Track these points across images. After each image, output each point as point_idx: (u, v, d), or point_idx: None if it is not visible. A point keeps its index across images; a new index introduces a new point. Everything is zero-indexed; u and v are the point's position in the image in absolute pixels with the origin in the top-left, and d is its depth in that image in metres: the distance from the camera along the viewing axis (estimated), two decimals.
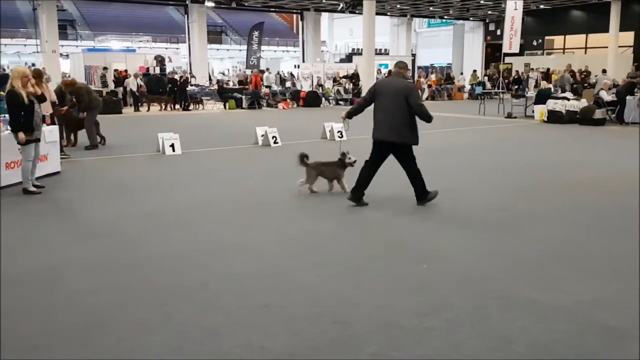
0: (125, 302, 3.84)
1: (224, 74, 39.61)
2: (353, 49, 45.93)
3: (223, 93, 23.73)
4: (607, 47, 28.71)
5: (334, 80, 26.78)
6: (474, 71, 32.71)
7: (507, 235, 5.43)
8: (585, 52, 32.90)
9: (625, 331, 3.35)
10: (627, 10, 28.58)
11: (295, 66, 34.82)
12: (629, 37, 30.13)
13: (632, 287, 4.05)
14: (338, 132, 12.81)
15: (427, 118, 6.35)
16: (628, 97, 15.52)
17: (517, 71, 29.08)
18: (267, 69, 30.71)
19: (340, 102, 25.45)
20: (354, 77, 26.22)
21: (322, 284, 4.16)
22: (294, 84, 27.66)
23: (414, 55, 42.45)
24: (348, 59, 40.53)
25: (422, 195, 6.51)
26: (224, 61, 51.88)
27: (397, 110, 6.21)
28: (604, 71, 23.95)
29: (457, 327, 3.43)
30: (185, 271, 4.47)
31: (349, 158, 7.13)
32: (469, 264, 4.59)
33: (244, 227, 5.76)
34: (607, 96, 16.06)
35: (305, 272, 4.42)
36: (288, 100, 24.15)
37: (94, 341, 3.30)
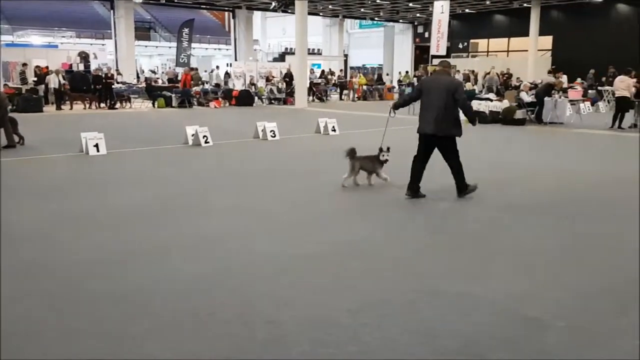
0: (52, 309, 3.64)
1: (153, 71, 38.51)
2: (286, 48, 45.95)
3: (152, 91, 23.05)
4: (527, 51, 30.17)
5: (267, 80, 26.64)
6: (407, 72, 33.55)
7: (439, 232, 5.57)
8: (508, 55, 34.45)
9: (544, 321, 3.51)
10: (545, 16, 30.16)
11: (227, 64, 34.34)
12: (547, 41, 31.81)
13: (550, 280, 4.26)
14: (271, 131, 12.75)
15: (472, 114, 6.95)
16: (546, 99, 16.37)
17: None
18: (217, 67, 30.26)
19: (273, 102, 25.35)
20: (287, 77, 26.18)
21: (253, 285, 4.11)
22: (226, 83, 27.30)
23: (346, 55, 42.95)
24: (281, 58, 40.45)
25: (462, 187, 6.91)
26: (153, 58, 50.50)
27: (443, 105, 6.63)
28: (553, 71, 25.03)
29: (389, 323, 3.48)
30: (113, 275, 4.29)
31: (383, 155, 7.52)
32: (404, 261, 4.67)
33: (173, 229, 5.61)
34: (527, 97, 16.87)
35: (236, 274, 4.35)
36: (220, 99, 23.79)
37: (19, 351, 3.10)
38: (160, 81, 27.03)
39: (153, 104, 22.24)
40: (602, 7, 29.94)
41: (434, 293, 3.96)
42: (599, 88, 24.29)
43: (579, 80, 25.14)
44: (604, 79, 25.58)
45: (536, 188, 7.70)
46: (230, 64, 31.93)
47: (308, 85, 25.89)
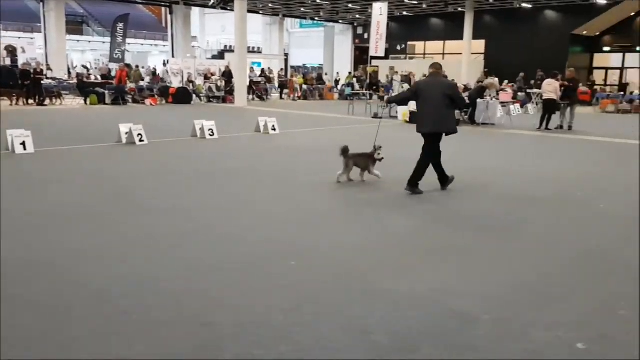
0: None
1: (86, 67, 37.09)
2: (226, 46, 45.42)
3: (84, 87, 22.21)
4: (461, 54, 31.16)
5: (206, 77, 26.23)
6: (350, 73, 33.91)
7: (371, 230, 5.65)
8: (443, 58, 35.42)
9: (472, 315, 3.63)
10: (479, 21, 31.26)
11: (164, 61, 33.57)
12: (480, 45, 32.97)
13: (477, 275, 4.41)
14: (209, 129, 12.56)
15: (465, 106, 7.56)
16: (478, 100, 16.95)
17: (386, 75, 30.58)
18: (167, 61, 29.40)
19: (212, 100, 24.99)
20: (227, 75, 25.87)
21: (187, 287, 4.03)
22: (163, 80, 26.67)
23: (286, 55, 42.93)
24: (220, 55, 39.95)
25: (414, 182, 7.26)
26: (86, 53, 48.66)
27: (441, 105, 7.08)
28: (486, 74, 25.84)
29: (321, 321, 3.50)
30: (36, 280, 4.09)
31: (378, 154, 7.80)
32: (336, 259, 4.70)
33: (103, 230, 5.42)
34: None
35: (168, 275, 4.26)
36: (156, 97, 23.22)
37: None
38: (93, 77, 26.08)
39: (85, 101, 21.43)
40: (531, 13, 31.34)
41: (366, 290, 4.02)
42: (528, 91, 25.41)
43: (505, 82, 26.16)
44: (532, 82, 26.78)
45: (466, 186, 7.94)
46: (167, 61, 31.23)
47: (248, 83, 25.69)
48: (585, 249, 5.13)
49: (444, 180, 7.46)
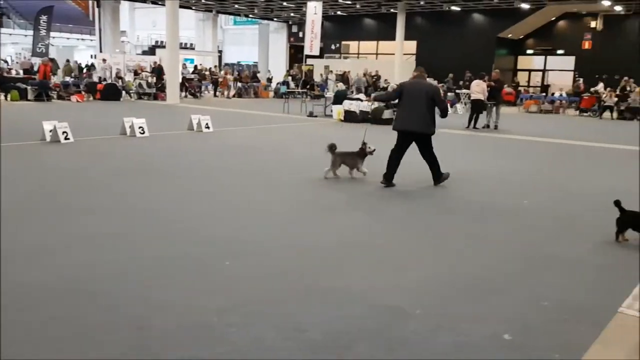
0: None
1: (5, 61, 35.06)
2: (157, 42, 44.20)
3: (3, 82, 20.99)
4: (394, 54, 31.82)
5: (136, 73, 25.43)
6: (287, 71, 33.84)
7: (308, 227, 5.67)
8: (377, 58, 36.08)
9: (405, 310, 3.72)
10: (410, 22, 32.03)
11: (91, 56, 32.26)
12: (412, 45, 33.80)
13: (411, 271, 4.52)
14: (139, 127, 12.19)
15: (446, 115, 8.20)
16: None
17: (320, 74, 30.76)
18: (94, 56, 28.03)
19: (142, 97, 24.26)
20: (157, 71, 25.19)
21: (121, 289, 3.89)
22: (90, 76, 25.64)
23: (220, 51, 42.33)
24: (151, 51, 38.86)
25: (438, 177, 7.81)
26: (6, 47, 45.98)
27: (422, 106, 7.44)
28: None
29: (256, 321, 3.47)
30: None
31: (369, 147, 8.11)
32: (272, 258, 4.68)
33: (28, 232, 5.14)
34: None
35: (101, 277, 4.10)
36: (83, 93, 22.28)
37: None
38: (14, 72, 24.70)
39: (5, 97, 20.26)
40: (460, 16, 32.44)
41: (301, 289, 4.03)
42: (457, 91, 26.29)
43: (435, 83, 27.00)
44: (461, 82, 27.73)
45: (401, 182, 8.12)
46: (95, 56, 30.05)
47: (180, 80, 25.14)
48: (511, 244, 5.36)
49: (389, 178, 7.70)
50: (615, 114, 21.92)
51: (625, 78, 24.32)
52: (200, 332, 3.31)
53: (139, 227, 5.47)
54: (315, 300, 3.83)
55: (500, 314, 3.71)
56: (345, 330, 3.41)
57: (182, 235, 5.23)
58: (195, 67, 30.38)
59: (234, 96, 28.43)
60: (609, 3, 26.81)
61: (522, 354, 3.21)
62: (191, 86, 26.81)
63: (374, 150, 8.11)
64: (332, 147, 8.06)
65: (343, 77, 28.09)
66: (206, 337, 3.26)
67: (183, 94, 25.69)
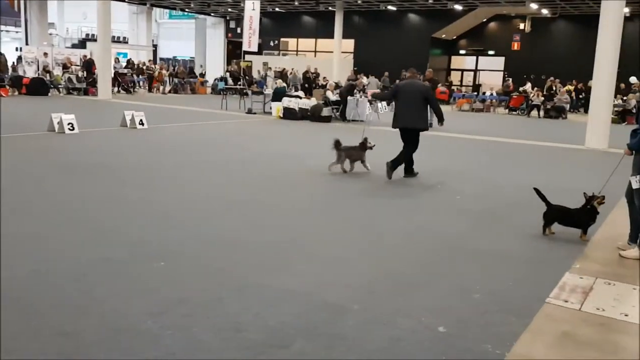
0: None
1: None
2: (87, 35, 42.46)
3: None
4: (332, 52, 32.02)
5: (65, 67, 24.34)
6: (229, 65, 33.33)
7: (246, 225, 5.60)
8: (315, 55, 36.19)
9: (341, 306, 3.74)
10: (348, 20, 32.30)
11: (16, 49, 30.62)
12: (350, 44, 34.11)
13: (348, 266, 4.55)
14: (69, 124, 11.67)
15: (440, 114, 8.37)
16: (349, 98, 17.54)
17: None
18: (19, 49, 26.32)
19: (72, 92, 23.25)
20: (88, 65, 24.21)
21: (43, 294, 3.70)
22: (14, 69, 24.31)
23: (155, 46, 41.21)
24: (81, 44, 37.30)
25: (393, 167, 8.28)
26: None
27: (417, 105, 8.12)
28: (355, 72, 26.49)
29: (192, 323, 3.39)
30: None
31: (369, 143, 8.62)
32: (207, 257, 4.59)
33: None
34: (332, 96, 17.90)
35: (22, 281, 3.88)
36: (7, 87, 21.10)
37: None
38: None
39: None
40: (396, 16, 33.03)
41: (239, 287, 3.97)
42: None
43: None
44: (397, 81, 28.23)
45: (335, 179, 8.19)
46: (21, 48, 28.54)
47: (113, 75, 24.27)
48: (445, 237, 5.51)
49: (394, 167, 8.32)
50: (541, 113, 22.97)
51: (551, 78, 25.53)
52: (134, 337, 3.19)
53: (64, 228, 5.23)
54: (251, 298, 3.79)
55: (434, 307, 3.80)
56: (284, 328, 3.39)
57: (112, 237, 5.04)
58: (128, 61, 29.40)
59: (169, 92, 27.76)
60: (536, 6, 28.05)
61: (456, 346, 3.29)
62: (124, 81, 25.95)
63: (374, 145, 8.66)
64: (337, 143, 8.52)
65: (282, 74, 27.98)
66: (140, 342, 3.15)
67: (115, 89, 24.83)
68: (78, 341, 3.12)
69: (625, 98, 22.12)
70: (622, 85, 22.32)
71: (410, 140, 8.37)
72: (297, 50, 37.81)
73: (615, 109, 19.04)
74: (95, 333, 3.21)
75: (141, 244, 4.84)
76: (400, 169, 8.43)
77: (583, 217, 5.49)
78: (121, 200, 6.43)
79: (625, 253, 5.05)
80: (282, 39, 37.93)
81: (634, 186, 4.96)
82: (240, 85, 25.05)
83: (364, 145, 8.64)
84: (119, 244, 4.83)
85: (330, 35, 32.03)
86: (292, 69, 28.13)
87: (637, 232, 5.08)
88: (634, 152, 5.00)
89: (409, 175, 8.45)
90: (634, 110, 19.77)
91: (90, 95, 22.97)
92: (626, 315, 3.79)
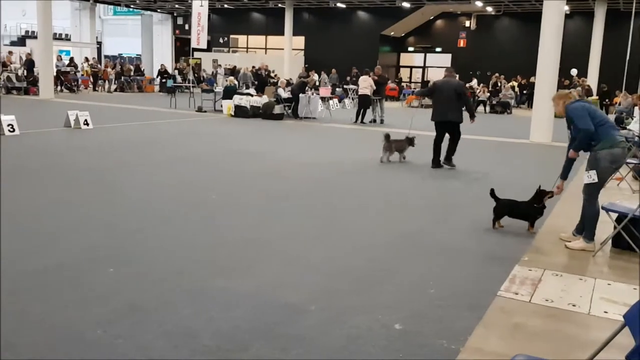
0: None
1: None
2: (27, 32, 40.74)
3: None
4: (283, 49, 31.89)
5: (4, 66, 23.26)
6: (186, 62, 32.52)
7: (198, 227, 5.49)
8: (266, 52, 35.94)
9: (298, 306, 3.70)
10: (298, 17, 32.24)
11: None
12: (300, 41, 34.05)
13: (304, 266, 4.53)
14: (8, 125, 11.15)
15: (472, 111, 9.48)
16: (300, 95, 17.50)
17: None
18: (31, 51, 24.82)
19: (12, 91, 22.25)
20: (28, 63, 23.23)
21: None
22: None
23: (99, 43, 39.97)
24: (21, 42, 35.80)
25: (449, 159, 9.33)
26: None
27: (453, 100, 9.06)
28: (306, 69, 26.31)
29: (144, 329, 3.29)
30: None
31: (414, 137, 9.84)
32: (159, 261, 4.47)
33: None
34: (284, 94, 17.81)
35: None
36: None
37: None
38: None
39: None
40: (345, 13, 33.18)
41: (192, 291, 3.88)
42: (345, 87, 26.91)
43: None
44: (348, 78, 28.41)
45: (289, 177, 8.15)
46: None
47: (55, 73, 23.38)
48: (398, 233, 5.56)
49: (437, 162, 9.33)
50: (487, 108, 23.59)
51: (496, 74, 26.24)
52: (83, 347, 3.07)
53: (5, 236, 4.98)
54: (205, 302, 3.71)
55: (391, 304, 3.82)
56: (239, 332, 3.33)
57: (58, 244, 4.84)
58: (71, 59, 28.38)
59: (115, 90, 26.98)
60: (481, 4, 28.76)
61: (413, 342, 3.32)
62: (67, 80, 25.04)
63: (415, 137, 9.83)
64: (387, 137, 9.69)
65: (234, 72, 27.62)
66: (90, 352, 3.02)
67: (58, 88, 23.93)
68: (22, 354, 2.97)
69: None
70: (566, 82, 23.19)
71: (452, 132, 9.27)
72: (247, 48, 37.45)
73: None
74: (41, 344, 3.07)
75: (89, 250, 4.66)
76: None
77: (531, 210, 5.65)
78: (67, 204, 6.18)
79: (570, 244, 5.23)
80: (231, 36, 37.47)
81: (585, 181, 5.13)
82: (184, 82, 24.61)
83: (410, 140, 9.83)
84: (65, 250, 4.64)
85: (280, 32, 31.89)
86: (248, 67, 27.83)
87: (584, 224, 5.25)
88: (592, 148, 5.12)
89: (448, 163, 9.37)
90: None
91: (32, 94, 22.06)
92: (573, 305, 3.92)
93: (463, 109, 9.24)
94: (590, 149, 5.10)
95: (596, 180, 5.02)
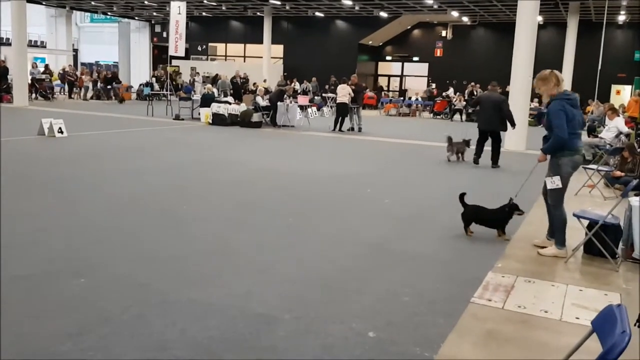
0: None
1: None
2: (1, 38, 40.10)
3: None
4: (262, 57, 31.90)
5: None
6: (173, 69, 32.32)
7: (168, 237, 5.43)
8: (245, 61, 35.90)
9: (271, 316, 3.68)
10: (277, 26, 32.30)
11: None
12: (279, 49, 34.10)
13: (277, 275, 4.50)
14: None
15: (512, 122, 10.66)
16: (279, 103, 17.50)
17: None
18: (5, 58, 24.23)
19: None
20: (1, 70, 22.85)
21: None
22: None
23: (75, 50, 39.54)
24: None
25: (495, 162, 10.79)
26: None
27: (494, 112, 10.53)
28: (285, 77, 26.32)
29: (115, 342, 3.23)
30: None
31: (469, 139, 11.30)
32: (129, 272, 4.40)
33: None
34: (262, 102, 17.80)
35: None
36: None
37: None
38: None
39: None
40: (324, 22, 33.35)
41: (163, 303, 3.82)
42: (323, 95, 27.00)
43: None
44: (327, 86, 28.52)
45: (263, 186, 8.12)
46: None
47: (30, 81, 23.01)
48: (373, 241, 5.56)
49: (478, 159, 10.88)
50: (464, 117, 23.87)
51: (472, 83, 26.57)
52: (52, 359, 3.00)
53: None
54: (177, 314, 3.66)
55: (365, 312, 3.82)
56: (212, 343, 3.29)
57: (25, 253, 4.74)
58: (46, 66, 28.00)
59: (91, 98, 26.66)
60: (457, 14, 29.16)
61: (387, 350, 3.32)
62: (42, 87, 24.68)
63: (470, 140, 11.25)
64: (450, 139, 11.21)
65: (214, 80, 27.47)
66: None
67: (33, 95, 23.56)
68: None
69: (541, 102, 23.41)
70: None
71: (494, 138, 10.71)
72: (225, 55, 37.37)
73: (532, 112, 20.06)
74: (6, 357, 2.99)
75: (58, 260, 4.57)
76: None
77: (499, 216, 5.71)
78: (38, 214, 6.07)
79: (543, 251, 5.30)
80: (210, 44, 37.36)
81: (549, 186, 5.22)
82: (162, 90, 24.42)
83: (467, 142, 11.34)
84: (34, 261, 4.54)
85: (259, 40, 31.90)
86: (227, 75, 27.74)
87: (554, 231, 5.34)
88: (548, 155, 5.25)
89: (495, 165, 10.74)
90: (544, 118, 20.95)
91: (5, 102, 21.67)
92: (546, 311, 3.97)
93: (505, 120, 10.57)
94: (553, 154, 5.17)
95: (560, 185, 5.11)
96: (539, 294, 4.31)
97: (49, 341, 3.20)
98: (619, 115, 12.17)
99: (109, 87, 27.01)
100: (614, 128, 11.42)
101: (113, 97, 26.70)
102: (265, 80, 27.58)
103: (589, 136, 13.48)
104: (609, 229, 5.08)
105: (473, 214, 5.77)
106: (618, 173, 8.77)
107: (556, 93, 5.13)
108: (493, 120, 10.57)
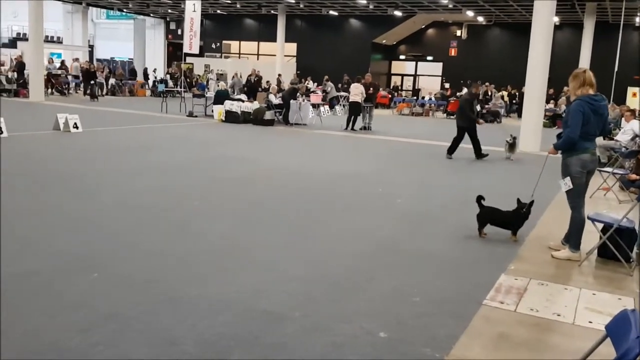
0: None
1: None
2: (18, 34, 40.54)
3: None
4: (275, 55, 31.92)
5: None
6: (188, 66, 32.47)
7: (178, 234, 5.44)
8: (258, 59, 35.93)
9: (280, 314, 3.67)
10: (290, 24, 32.29)
11: None
12: (292, 47, 34.10)
13: (285, 272, 4.49)
14: None
15: (473, 120, 11.70)
16: (291, 101, 17.50)
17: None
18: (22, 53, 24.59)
19: (2, 93, 22.07)
20: (19, 65, 23.10)
21: None
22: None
23: (91, 46, 39.84)
24: (12, 44, 35.61)
25: (477, 155, 11.79)
26: None
27: (460, 111, 11.88)
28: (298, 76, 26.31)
29: (125, 337, 3.24)
30: None
31: (515, 138, 12.20)
32: (138, 268, 4.42)
33: None
34: (275, 99, 17.81)
35: None
36: None
37: None
38: None
39: None
40: (337, 21, 33.29)
41: (173, 299, 3.83)
42: (336, 94, 26.95)
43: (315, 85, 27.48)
44: (340, 85, 28.46)
45: (274, 184, 8.12)
46: None
47: (46, 76, 23.23)
48: (383, 240, 5.54)
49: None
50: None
51: (487, 83, 26.39)
52: (60, 355, 3.02)
53: None
54: (186, 310, 3.66)
55: (374, 312, 3.80)
56: (221, 339, 3.29)
57: (37, 249, 4.78)
58: (63, 62, 28.24)
59: (106, 94, 26.86)
60: (472, 14, 28.96)
61: (397, 350, 3.29)
62: (58, 82, 24.91)
63: (516, 137, 12.17)
64: (513, 138, 12.09)
65: (236, 77, 27.53)
66: (68, 359, 2.97)
67: (49, 90, 23.79)
68: None
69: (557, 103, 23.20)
70: (551, 91, 23.34)
71: (469, 134, 11.62)
72: (239, 53, 37.45)
73: (547, 113, 19.88)
74: (16, 353, 3.01)
75: (70, 256, 4.60)
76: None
77: (513, 219, 5.66)
78: (51, 210, 6.11)
79: (556, 254, 5.24)
80: (224, 42, 37.44)
81: (563, 189, 5.16)
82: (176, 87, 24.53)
83: (514, 139, 12.17)
84: (45, 256, 4.58)
85: (272, 38, 31.91)
86: (242, 72, 27.81)
87: (570, 233, 5.27)
88: (560, 153, 5.20)
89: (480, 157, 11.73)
90: (563, 115, 20.73)
91: (22, 97, 21.91)
92: (558, 315, 3.92)
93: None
94: (562, 152, 5.16)
95: (571, 186, 5.06)
96: (552, 297, 4.26)
97: (59, 336, 3.22)
98: (635, 118, 12.01)
99: (122, 82, 27.19)
100: (629, 131, 11.27)
101: (128, 94, 26.88)
102: (280, 75, 27.56)
103: (604, 139, 13.32)
104: (623, 233, 5.01)
105: (489, 216, 5.72)
106: (633, 176, 8.65)
107: (580, 94, 5.06)
108: (459, 117, 11.92)
